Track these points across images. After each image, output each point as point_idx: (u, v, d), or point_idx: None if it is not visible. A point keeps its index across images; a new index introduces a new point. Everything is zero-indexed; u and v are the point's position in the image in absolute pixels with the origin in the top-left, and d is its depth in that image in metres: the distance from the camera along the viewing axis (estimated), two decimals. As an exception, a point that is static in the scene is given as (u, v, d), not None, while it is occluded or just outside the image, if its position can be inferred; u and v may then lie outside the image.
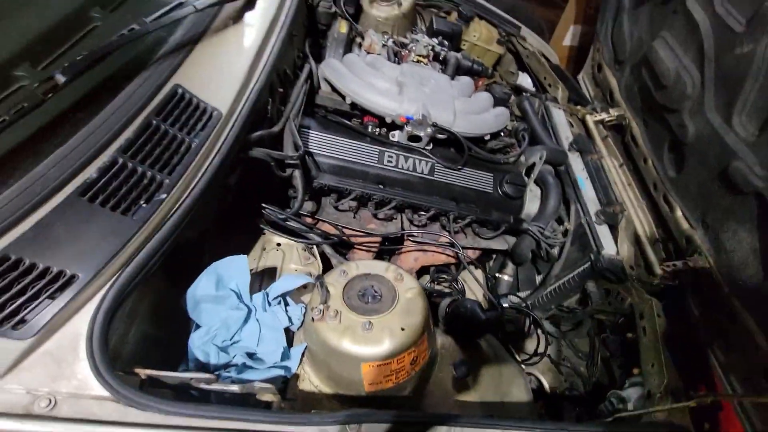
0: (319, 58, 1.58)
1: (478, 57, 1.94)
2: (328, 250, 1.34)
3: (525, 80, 2.09)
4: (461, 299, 1.29)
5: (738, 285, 1.20)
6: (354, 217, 1.42)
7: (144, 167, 0.84)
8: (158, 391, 0.78)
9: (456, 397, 1.10)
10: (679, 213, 1.44)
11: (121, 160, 0.81)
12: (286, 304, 1.08)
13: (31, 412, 0.64)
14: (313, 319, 0.95)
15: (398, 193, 1.41)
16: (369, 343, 0.92)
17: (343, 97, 1.47)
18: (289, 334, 1.06)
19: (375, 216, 1.44)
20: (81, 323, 0.70)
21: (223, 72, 1.08)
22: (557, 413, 1.39)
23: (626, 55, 1.84)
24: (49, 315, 0.68)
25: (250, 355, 0.97)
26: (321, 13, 1.67)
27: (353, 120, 1.50)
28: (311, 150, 1.34)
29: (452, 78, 1.69)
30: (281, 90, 1.32)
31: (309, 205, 1.36)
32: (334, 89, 1.50)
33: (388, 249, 1.50)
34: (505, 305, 1.47)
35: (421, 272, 1.56)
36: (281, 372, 0.97)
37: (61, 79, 0.76)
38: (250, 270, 1.05)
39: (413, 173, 1.46)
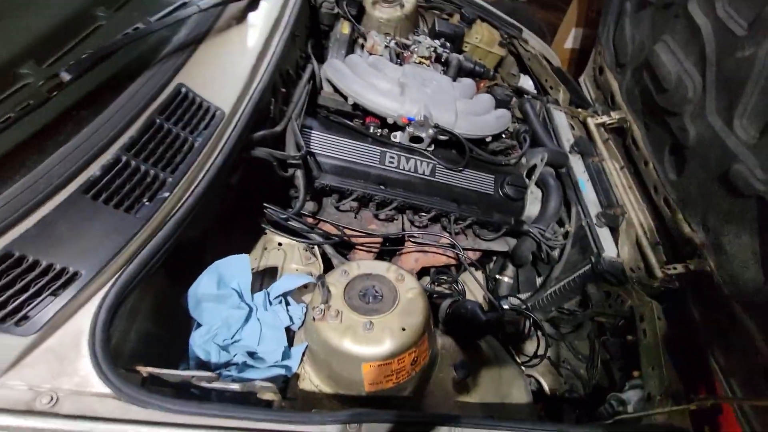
0: (321, 59, 1.59)
1: (480, 59, 1.94)
2: (329, 250, 1.34)
3: (526, 82, 2.09)
4: (462, 300, 1.29)
5: (738, 288, 1.20)
6: (355, 218, 1.42)
7: (147, 165, 0.84)
8: (159, 389, 0.78)
9: (456, 398, 1.10)
10: (679, 216, 1.44)
11: (124, 158, 0.82)
12: (287, 304, 1.08)
13: (33, 409, 0.64)
14: (314, 318, 0.95)
15: (399, 194, 1.42)
16: (370, 343, 0.92)
17: (345, 98, 1.47)
18: (290, 334, 1.06)
19: (376, 216, 1.44)
20: (83, 320, 0.71)
21: (227, 72, 1.09)
22: (557, 415, 1.39)
23: (628, 59, 1.84)
24: (51, 312, 0.69)
25: (251, 354, 0.97)
26: (324, 14, 1.67)
27: (355, 121, 1.51)
28: (313, 150, 1.35)
29: (454, 80, 1.69)
30: (284, 90, 1.32)
31: (310, 205, 1.36)
32: (336, 90, 1.51)
33: (388, 250, 1.50)
34: (506, 307, 1.48)
35: (421, 273, 1.56)
36: (282, 371, 0.98)
37: (66, 77, 0.77)
38: (252, 269, 1.06)
39: (414, 174, 1.46)
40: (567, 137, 1.78)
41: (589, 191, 1.61)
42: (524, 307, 1.49)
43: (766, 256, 1.13)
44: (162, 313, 0.96)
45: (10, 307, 0.67)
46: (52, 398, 0.65)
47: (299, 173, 1.24)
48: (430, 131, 1.44)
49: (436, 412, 1.04)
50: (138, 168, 0.83)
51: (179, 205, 0.87)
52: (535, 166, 1.60)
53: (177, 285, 0.98)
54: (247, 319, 1.00)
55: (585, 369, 1.47)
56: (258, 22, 1.23)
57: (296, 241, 1.25)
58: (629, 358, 1.29)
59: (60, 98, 0.81)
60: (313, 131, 1.37)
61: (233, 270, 1.02)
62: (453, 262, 1.54)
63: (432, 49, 1.73)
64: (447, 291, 1.51)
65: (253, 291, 1.04)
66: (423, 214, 1.48)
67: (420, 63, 1.67)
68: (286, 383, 0.99)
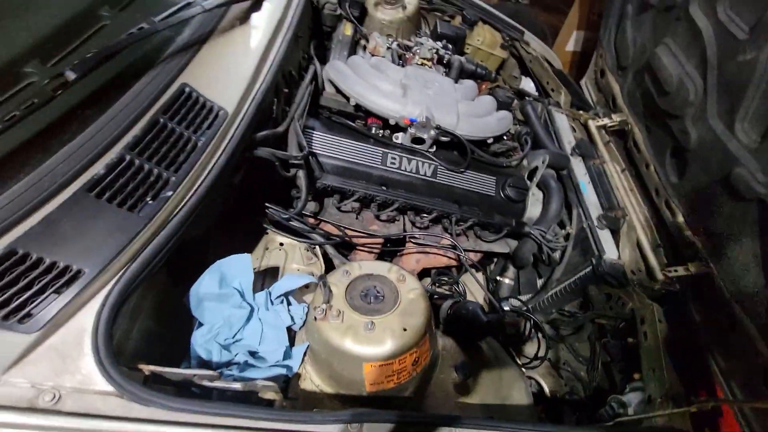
0: (323, 60, 1.59)
1: (482, 61, 1.95)
2: (330, 250, 1.34)
3: (528, 85, 2.10)
4: (463, 301, 1.29)
5: (739, 291, 1.20)
6: (356, 218, 1.42)
7: (151, 164, 0.85)
8: (161, 387, 0.78)
9: (456, 399, 1.10)
10: (680, 218, 1.44)
11: (128, 157, 0.82)
12: (289, 304, 1.08)
13: (35, 406, 0.64)
14: (315, 318, 0.95)
15: (401, 195, 1.42)
16: (371, 343, 0.92)
17: (348, 99, 1.48)
18: (291, 334, 1.06)
19: (377, 217, 1.44)
20: (86, 318, 0.71)
21: (230, 72, 1.09)
22: (557, 417, 1.39)
23: (629, 61, 1.84)
24: (54, 309, 0.69)
25: (252, 354, 0.98)
26: (326, 15, 1.68)
27: (357, 121, 1.51)
28: (315, 151, 1.35)
29: (456, 81, 1.70)
30: (286, 90, 1.33)
31: (312, 206, 1.37)
32: (338, 91, 1.51)
33: (389, 250, 1.50)
34: (506, 308, 1.48)
35: (422, 274, 1.56)
36: (283, 371, 0.98)
37: (71, 76, 0.77)
38: (253, 269, 1.06)
39: (416, 175, 1.46)
40: (568, 139, 1.78)
41: (590, 193, 1.61)
42: (525, 308, 1.49)
43: (766, 259, 1.13)
44: (164, 311, 0.96)
45: (13, 305, 0.67)
46: (54, 396, 0.66)
47: (301, 173, 1.24)
48: (432, 132, 1.44)
49: (437, 413, 1.04)
50: (142, 167, 0.83)
51: (182, 204, 0.87)
52: (536, 168, 1.61)
53: (179, 284, 0.98)
54: (248, 319, 1.00)
55: (585, 371, 1.47)
56: (261, 22, 1.24)
57: (298, 241, 1.25)
58: (630, 360, 1.29)
59: (64, 97, 0.81)
60: (315, 132, 1.37)
61: (235, 269, 1.02)
62: (454, 263, 1.55)
63: (434, 50, 1.73)
64: (447, 292, 1.52)
65: (255, 291, 1.04)
66: (424, 215, 1.48)
67: (422, 64, 1.68)
68: (287, 383, 0.99)
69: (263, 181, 1.23)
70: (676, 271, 1.39)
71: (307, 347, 1.02)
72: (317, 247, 1.27)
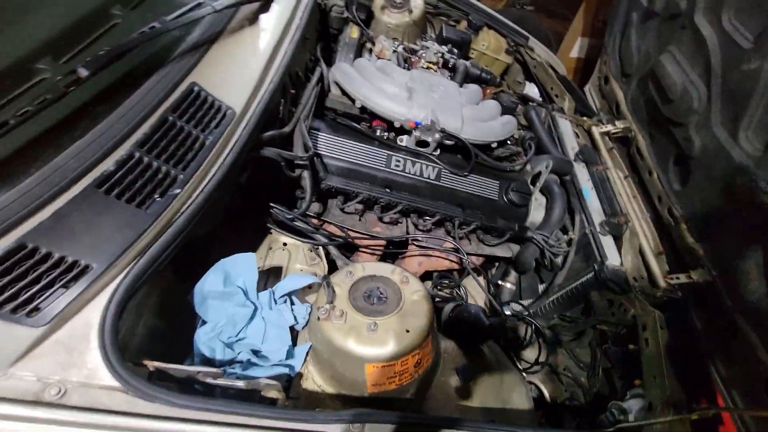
0: (329, 62, 1.61)
1: (487, 66, 1.96)
2: (333, 251, 1.34)
3: (532, 90, 2.11)
4: (465, 304, 1.30)
5: (741, 299, 1.21)
6: (359, 220, 1.43)
7: (159, 162, 0.85)
8: (165, 383, 0.78)
9: (457, 402, 1.11)
10: (683, 226, 1.44)
11: (137, 154, 0.83)
12: (292, 303, 1.09)
13: (41, 400, 0.64)
14: (318, 318, 0.96)
15: (404, 198, 1.42)
16: (374, 343, 0.92)
17: (353, 101, 1.49)
18: (294, 333, 1.07)
19: (380, 219, 1.45)
20: (93, 313, 0.71)
21: (238, 72, 1.10)
22: (557, 423, 1.39)
23: (633, 69, 1.86)
24: (62, 304, 0.69)
25: (255, 353, 0.98)
26: (333, 17, 1.69)
27: (362, 123, 1.52)
28: (320, 152, 1.36)
29: (461, 85, 1.71)
30: (293, 91, 1.34)
31: (315, 207, 1.37)
32: (344, 93, 1.52)
33: (392, 252, 1.51)
34: (508, 313, 1.48)
35: (424, 277, 1.56)
36: (285, 370, 0.98)
37: (83, 73, 0.78)
38: (257, 268, 1.06)
39: (420, 178, 1.47)
40: (572, 145, 1.79)
41: (593, 199, 1.62)
42: (526, 313, 1.49)
43: (769, 267, 1.13)
44: (168, 308, 0.96)
45: (21, 298, 0.67)
46: (60, 390, 0.66)
47: (306, 174, 1.25)
48: (437, 136, 1.45)
49: (438, 415, 1.04)
50: (150, 164, 0.84)
51: (189, 202, 0.88)
52: (539, 173, 1.61)
53: (183, 281, 0.98)
54: (252, 318, 1.00)
55: (586, 377, 1.47)
56: (270, 24, 1.25)
57: (301, 241, 1.26)
58: (630, 366, 1.29)
59: (76, 94, 0.82)
60: (320, 133, 1.38)
61: (239, 268, 1.03)
62: (456, 266, 1.55)
63: (439, 54, 1.74)
64: (449, 295, 1.52)
65: (258, 290, 1.05)
66: (427, 217, 1.48)
67: (427, 68, 1.69)
68: (290, 382, 0.99)
69: (268, 180, 1.24)
70: (678, 278, 1.40)
71: (310, 347, 1.02)
72: (320, 247, 1.28)
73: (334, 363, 0.96)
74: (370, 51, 1.72)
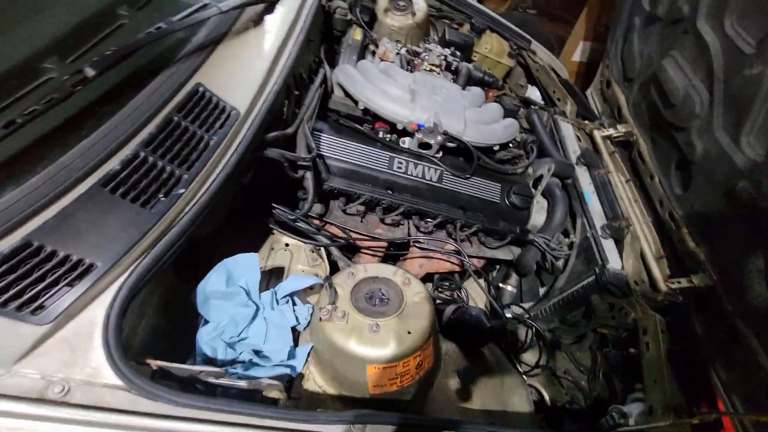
0: (332, 64, 1.61)
1: (489, 69, 1.97)
2: (335, 252, 1.35)
3: (534, 93, 2.11)
4: (466, 306, 1.30)
5: (742, 304, 1.21)
6: (361, 221, 1.43)
7: (164, 162, 0.86)
8: (167, 382, 0.79)
9: (458, 404, 1.11)
10: (684, 230, 1.45)
11: (142, 154, 0.83)
12: (294, 304, 1.09)
13: (44, 397, 0.65)
14: (320, 318, 0.96)
15: (406, 199, 1.43)
16: (375, 345, 0.92)
17: (356, 103, 1.49)
18: (295, 334, 1.07)
19: (382, 221, 1.45)
20: (97, 312, 0.72)
21: (243, 73, 1.11)
22: (557, 426, 1.39)
23: (635, 73, 1.86)
24: (66, 302, 0.70)
25: (257, 353, 0.98)
26: (337, 19, 1.70)
27: (365, 125, 1.52)
28: (323, 153, 1.36)
29: (463, 88, 1.71)
30: (297, 93, 1.34)
31: (317, 208, 1.38)
32: (347, 94, 1.52)
33: (393, 254, 1.51)
34: (508, 315, 1.48)
35: (424, 279, 1.57)
36: (287, 371, 0.98)
37: (90, 72, 0.78)
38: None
39: (422, 180, 1.47)
40: (573, 149, 1.79)
41: (594, 203, 1.62)
42: (527, 316, 1.49)
43: (770, 272, 1.13)
44: (170, 307, 0.97)
45: (26, 296, 0.68)
46: (63, 388, 0.66)
47: (308, 175, 1.25)
48: (439, 138, 1.45)
49: (439, 417, 1.04)
50: (155, 164, 0.85)
51: (193, 202, 0.88)
52: (541, 176, 1.62)
53: (186, 280, 0.99)
54: (254, 318, 1.01)
55: (586, 380, 1.47)
56: (274, 25, 1.26)
57: (303, 242, 1.26)
58: (631, 370, 1.29)
59: (82, 93, 0.82)
60: (323, 134, 1.39)
61: (242, 268, 1.03)
62: (457, 268, 1.55)
63: (442, 57, 1.75)
64: (449, 297, 1.52)
65: (260, 290, 1.05)
66: (429, 219, 1.49)
67: (430, 71, 1.69)
68: (291, 383, 0.99)
69: (271, 181, 1.24)
70: (679, 282, 1.40)
71: (311, 348, 1.02)
72: (322, 248, 1.28)
73: (336, 364, 0.96)
74: (373, 53, 1.72)
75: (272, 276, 1.19)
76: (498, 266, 1.76)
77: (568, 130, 1.86)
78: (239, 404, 0.73)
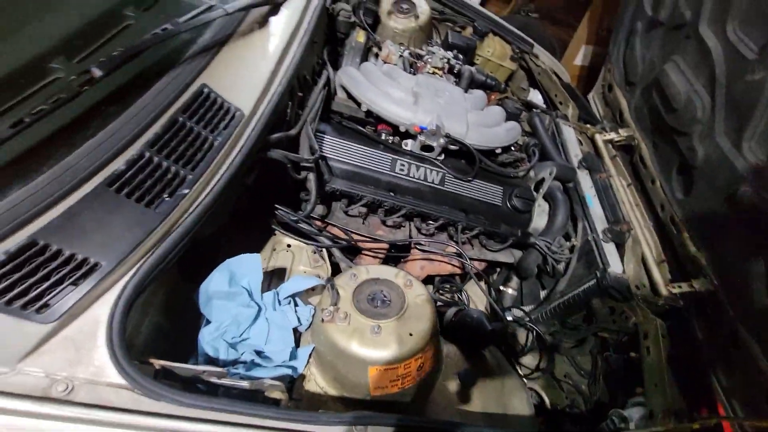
0: (336, 66, 1.62)
1: (491, 72, 1.97)
2: (336, 254, 1.35)
3: (536, 97, 2.12)
4: (468, 309, 1.30)
5: (743, 309, 1.21)
6: (363, 223, 1.44)
7: (169, 162, 0.86)
8: (170, 382, 0.79)
9: (458, 406, 1.11)
10: (685, 235, 1.45)
11: (148, 154, 0.84)
12: (296, 305, 1.09)
13: (48, 396, 0.65)
14: (322, 320, 0.96)
15: (408, 201, 1.43)
16: (377, 346, 0.93)
17: (359, 105, 1.50)
18: (297, 335, 1.07)
19: (384, 223, 1.45)
20: (102, 311, 0.72)
21: (247, 74, 1.11)
22: (558, 430, 1.39)
23: (637, 77, 1.87)
24: (71, 301, 0.70)
25: (259, 353, 0.98)
26: (341, 21, 1.71)
27: (367, 127, 1.53)
28: (325, 154, 1.37)
29: (466, 91, 1.72)
30: (300, 94, 1.35)
31: (320, 209, 1.38)
32: (350, 96, 1.53)
33: (395, 256, 1.51)
34: (509, 318, 1.48)
35: (425, 281, 1.57)
36: (288, 371, 0.98)
37: (97, 73, 0.79)
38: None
39: (424, 182, 1.48)
40: (575, 152, 1.79)
41: (595, 207, 1.62)
42: (527, 319, 1.49)
43: (771, 278, 1.14)
44: (173, 307, 0.97)
45: (31, 295, 0.68)
46: (67, 386, 0.67)
47: (311, 176, 1.26)
48: (442, 141, 1.46)
49: (440, 419, 1.04)
50: (160, 164, 0.85)
51: (197, 202, 0.89)
52: (543, 180, 1.62)
53: (189, 280, 0.99)
54: (255, 318, 1.01)
55: (587, 384, 1.47)
56: (279, 27, 1.27)
57: (305, 243, 1.26)
58: (632, 374, 1.29)
59: (89, 94, 0.83)
60: (326, 136, 1.39)
61: (244, 268, 1.04)
62: (458, 271, 1.55)
63: (445, 60, 1.76)
64: (450, 300, 1.52)
65: (262, 291, 1.05)
66: (431, 222, 1.49)
67: (433, 73, 1.70)
68: (292, 384, 0.99)
69: (274, 182, 1.25)
70: (680, 287, 1.40)
71: (313, 349, 1.02)
72: (324, 250, 1.28)
73: (337, 365, 0.96)
74: (377, 55, 1.73)
75: (274, 277, 1.20)
76: (499, 269, 1.76)
77: (569, 134, 1.87)
78: (241, 404, 0.73)
